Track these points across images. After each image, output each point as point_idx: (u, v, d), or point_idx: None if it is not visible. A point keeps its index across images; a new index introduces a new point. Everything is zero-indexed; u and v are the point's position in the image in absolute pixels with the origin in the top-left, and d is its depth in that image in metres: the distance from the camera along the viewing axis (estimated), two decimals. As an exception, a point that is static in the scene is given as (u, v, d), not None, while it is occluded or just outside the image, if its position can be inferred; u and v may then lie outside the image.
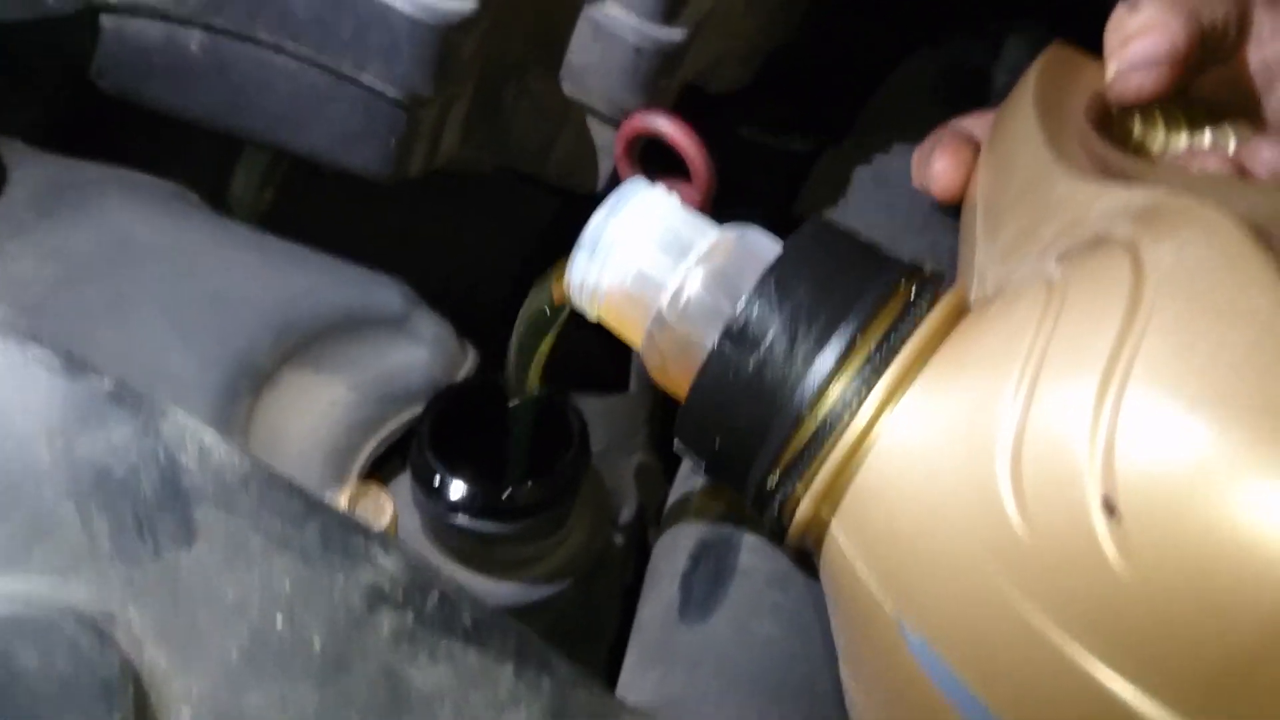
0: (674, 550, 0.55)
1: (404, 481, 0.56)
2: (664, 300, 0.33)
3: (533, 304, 0.45)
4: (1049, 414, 0.26)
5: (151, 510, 0.23)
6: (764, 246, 0.33)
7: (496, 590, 0.55)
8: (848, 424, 0.29)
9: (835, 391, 0.29)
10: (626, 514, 0.66)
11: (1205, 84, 0.48)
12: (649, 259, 0.33)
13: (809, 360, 0.29)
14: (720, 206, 0.81)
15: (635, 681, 0.50)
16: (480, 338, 0.63)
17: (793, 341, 0.29)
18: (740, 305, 0.30)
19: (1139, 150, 0.48)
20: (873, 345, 0.29)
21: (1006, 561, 0.26)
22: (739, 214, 0.81)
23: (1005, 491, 0.26)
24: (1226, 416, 0.24)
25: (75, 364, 0.25)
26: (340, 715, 0.23)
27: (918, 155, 0.59)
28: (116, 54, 0.54)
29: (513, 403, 0.51)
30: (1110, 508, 0.24)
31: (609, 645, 0.60)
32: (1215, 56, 0.47)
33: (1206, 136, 0.48)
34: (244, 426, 0.54)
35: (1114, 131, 0.48)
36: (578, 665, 0.59)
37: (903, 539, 0.28)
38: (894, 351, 0.29)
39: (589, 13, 0.51)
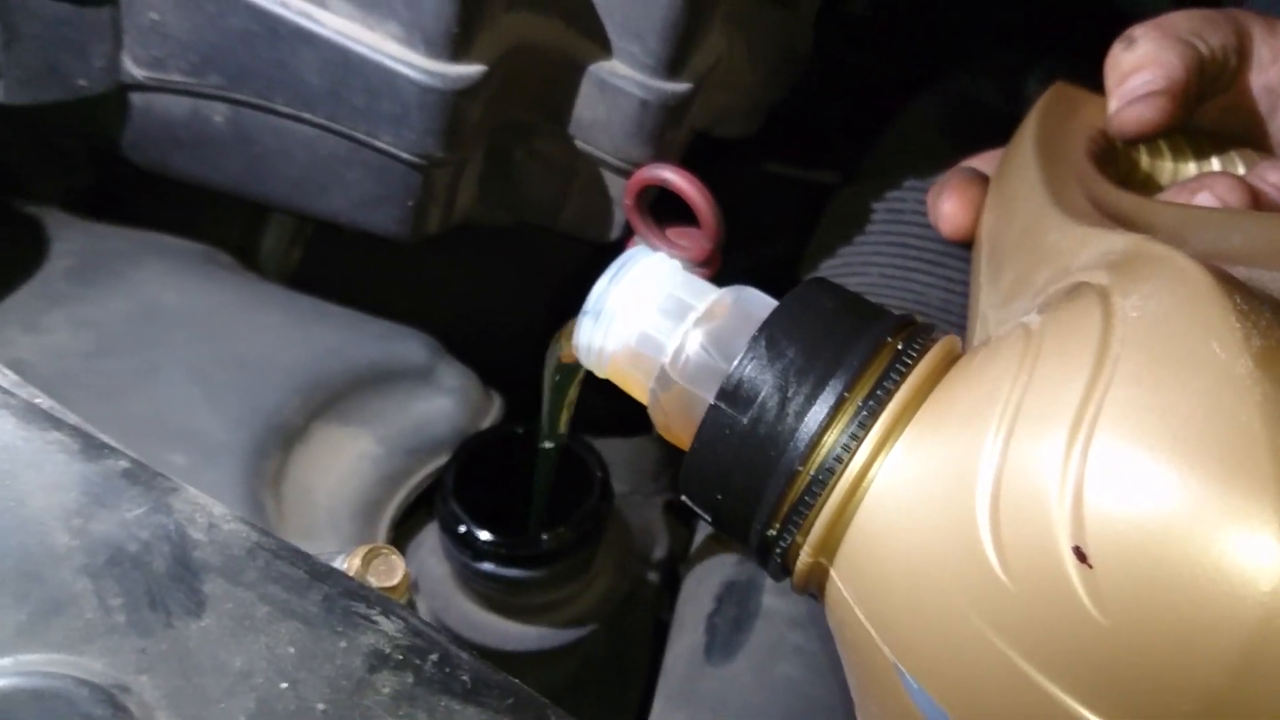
0: (699, 592, 0.56)
1: (432, 530, 0.57)
2: (665, 361, 0.34)
3: (551, 359, 0.47)
4: (1023, 463, 0.26)
5: (163, 584, 0.24)
6: (759, 306, 0.34)
7: (525, 635, 0.56)
8: (840, 475, 0.29)
9: (827, 444, 0.30)
10: (658, 553, 0.67)
11: (1209, 113, 0.48)
12: (650, 322, 0.35)
13: (800, 416, 0.30)
14: (747, 239, 0.82)
15: (662, 723, 0.51)
16: (506, 385, 0.65)
17: (784, 398, 0.30)
18: (734, 365, 0.31)
19: (1147, 182, 0.49)
20: (861, 398, 0.30)
21: (989, 608, 0.26)
22: (762, 244, 0.81)
23: (986, 539, 0.27)
24: (1186, 465, 0.24)
25: (92, 445, 0.26)
26: (343, 775, 0.24)
27: (931, 194, 0.60)
28: (145, 128, 0.56)
29: (542, 448, 0.52)
30: (1081, 555, 0.25)
31: (641, 684, 0.61)
32: (1216, 85, 0.47)
33: (1214, 164, 0.48)
34: (275, 483, 0.55)
35: (1121, 166, 0.48)
36: (607, 706, 0.60)
37: (894, 586, 0.29)
38: (882, 404, 0.30)
39: (594, 71, 0.52)
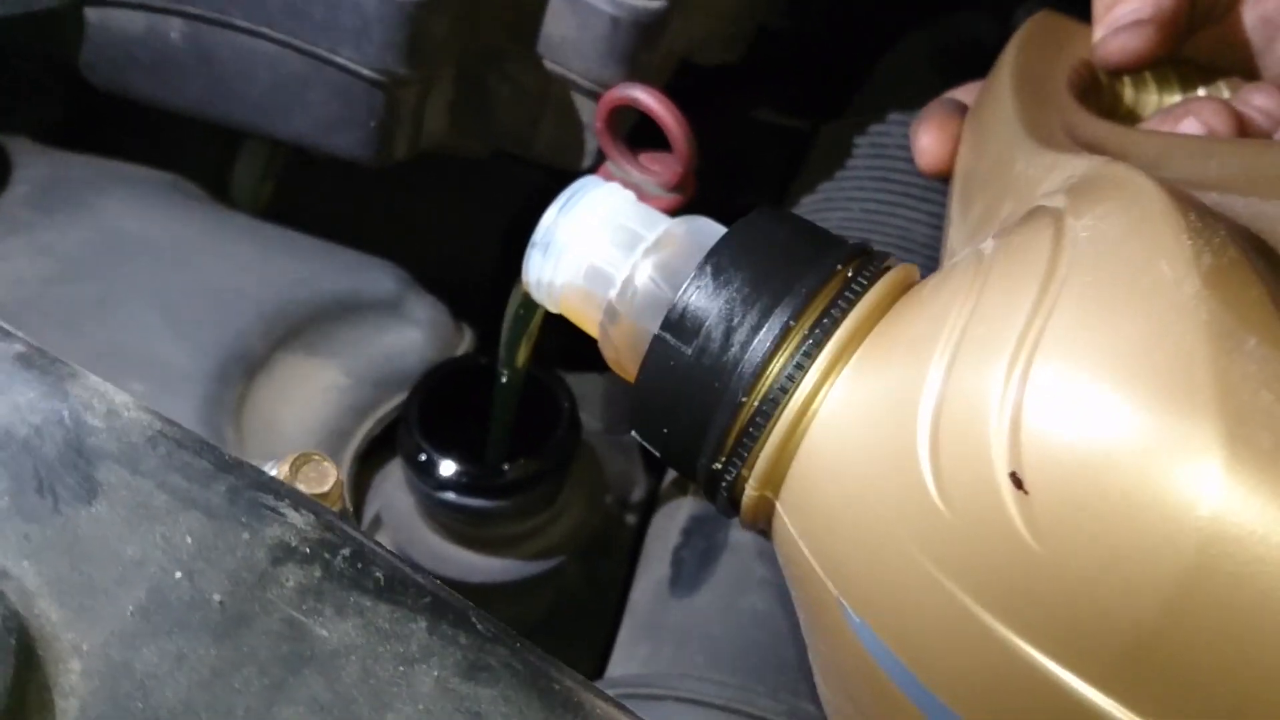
0: (667, 525, 0.54)
1: (398, 464, 0.56)
2: (613, 294, 0.32)
3: (515, 291, 0.45)
4: (964, 389, 0.25)
5: (53, 469, 0.23)
6: (711, 235, 0.33)
7: (491, 567, 0.55)
8: (784, 406, 0.28)
9: (771, 374, 0.28)
10: (638, 493, 0.66)
11: (1199, 44, 0.46)
12: (600, 254, 0.33)
13: (745, 345, 0.29)
14: (727, 185, 0.81)
15: (625, 656, 0.50)
16: (476, 317, 0.63)
17: (729, 327, 0.29)
18: (678, 295, 0.29)
19: (1130, 115, 0.47)
20: (807, 327, 0.28)
21: (928, 539, 0.25)
22: (746, 191, 0.80)
23: (925, 469, 0.25)
24: (1125, 388, 0.23)
25: (-13, 329, 0.25)
26: (238, 669, 0.22)
27: (912, 127, 0.58)
28: (102, 47, 0.54)
29: (500, 379, 0.51)
30: (1018, 482, 0.24)
31: (615, 622, 0.60)
32: (1208, 16, 0.45)
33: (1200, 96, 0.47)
34: (237, 412, 0.54)
35: (1105, 98, 0.47)
36: (580, 641, 0.59)
37: (837, 519, 0.28)
38: (828, 333, 0.28)
39: (563, -13, 0.51)
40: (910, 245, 0.61)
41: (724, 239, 0.31)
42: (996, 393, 0.25)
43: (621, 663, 0.49)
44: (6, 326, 0.25)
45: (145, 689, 0.21)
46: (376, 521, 0.56)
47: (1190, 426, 0.22)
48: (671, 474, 0.59)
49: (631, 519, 0.65)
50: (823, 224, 0.32)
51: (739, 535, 0.51)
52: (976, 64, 0.76)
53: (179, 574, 0.23)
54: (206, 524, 0.24)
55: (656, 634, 0.49)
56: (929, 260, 0.60)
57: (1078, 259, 0.26)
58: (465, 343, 0.61)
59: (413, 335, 0.59)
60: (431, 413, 0.53)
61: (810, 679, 0.42)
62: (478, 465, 0.51)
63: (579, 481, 0.56)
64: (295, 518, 0.25)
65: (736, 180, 0.82)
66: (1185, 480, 0.22)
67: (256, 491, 0.25)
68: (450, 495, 0.51)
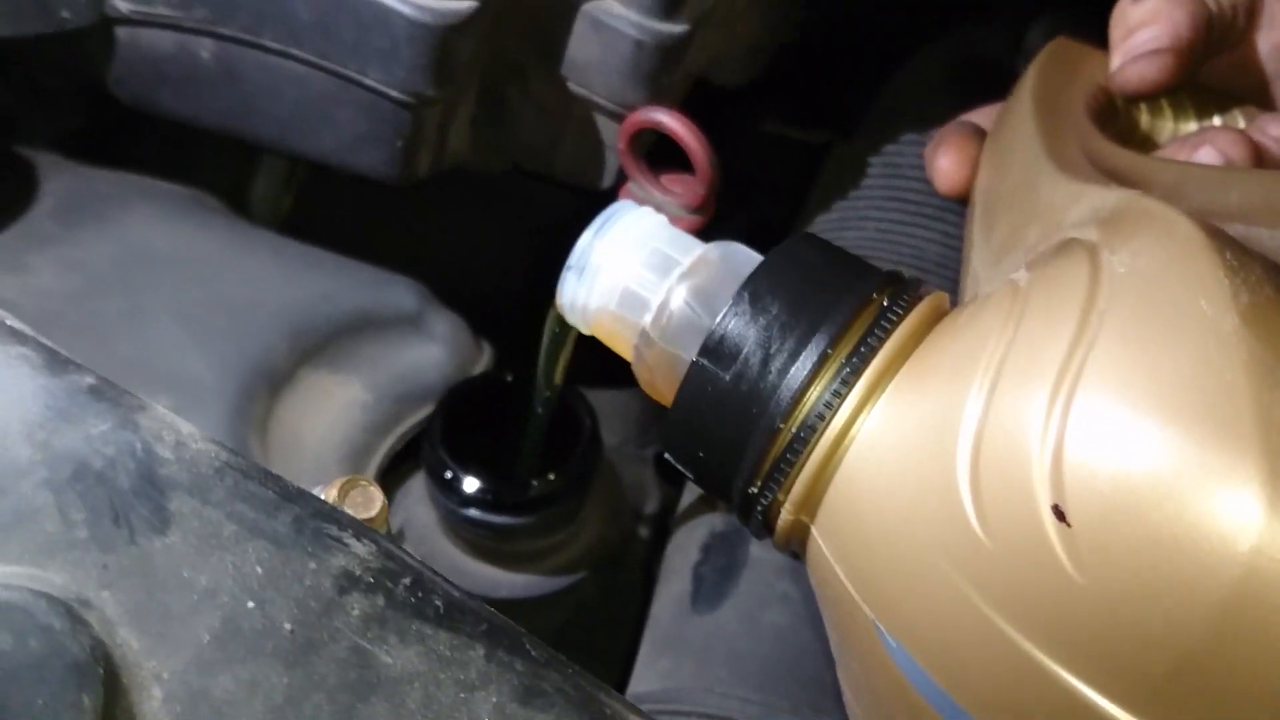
0: (687, 541, 0.55)
1: (420, 478, 0.57)
2: (649, 317, 0.33)
3: (551, 312, 0.46)
4: (1005, 420, 0.26)
5: (127, 500, 0.24)
6: (745, 261, 0.33)
7: (513, 582, 0.55)
8: (821, 433, 0.29)
9: (809, 402, 0.29)
10: (651, 506, 0.66)
11: (1214, 70, 0.47)
12: (634, 278, 0.34)
13: (783, 373, 0.29)
14: (745, 200, 0.82)
15: (646, 671, 0.50)
16: (496, 333, 0.64)
17: (767, 354, 0.30)
18: (717, 321, 0.30)
19: (1146, 141, 0.48)
20: (845, 354, 0.29)
21: (968, 566, 0.26)
22: (758, 204, 0.81)
23: (965, 498, 0.26)
24: (1167, 422, 0.24)
25: (57, 360, 0.26)
26: (309, 695, 0.23)
27: (928, 149, 0.59)
28: (131, 64, 0.55)
29: (535, 399, 0.51)
30: (1060, 514, 0.25)
31: (632, 634, 0.61)
32: (1223, 43, 0.46)
33: (1215, 123, 0.47)
34: (261, 428, 0.55)
35: (1121, 123, 0.47)
36: (597, 654, 0.60)
37: (874, 544, 0.29)
38: (865, 361, 0.29)
39: (588, 10, 0.51)
40: (925, 265, 0.61)
41: (761, 266, 0.32)
42: (1038, 424, 0.26)
43: (643, 677, 0.50)
44: (76, 360, 0.26)
45: (223, 715, 0.22)
46: (399, 537, 0.57)
47: (1232, 461, 0.23)
48: (690, 490, 0.59)
49: (646, 531, 0.66)
50: (838, 243, 0.33)
51: (759, 551, 0.52)
52: (988, 82, 0.77)
53: (250, 603, 0.24)
54: (274, 553, 0.24)
55: (678, 649, 0.50)
56: (944, 280, 0.61)
57: (1116, 293, 0.27)
58: (484, 358, 0.61)
59: (433, 351, 0.60)
60: (455, 430, 0.54)
61: (832, 695, 0.43)
62: (501, 482, 0.52)
63: (599, 497, 0.57)
64: (358, 547, 0.25)
65: (749, 193, 0.83)
66: (1226, 514, 0.23)
67: (320, 521, 0.25)
68: (474, 511, 0.52)
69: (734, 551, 0.52)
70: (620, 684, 0.53)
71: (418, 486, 0.58)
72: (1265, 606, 0.22)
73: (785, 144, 0.87)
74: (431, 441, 0.53)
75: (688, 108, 0.59)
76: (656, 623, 0.52)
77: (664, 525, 0.66)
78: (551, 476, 0.52)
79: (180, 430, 0.25)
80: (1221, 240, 0.27)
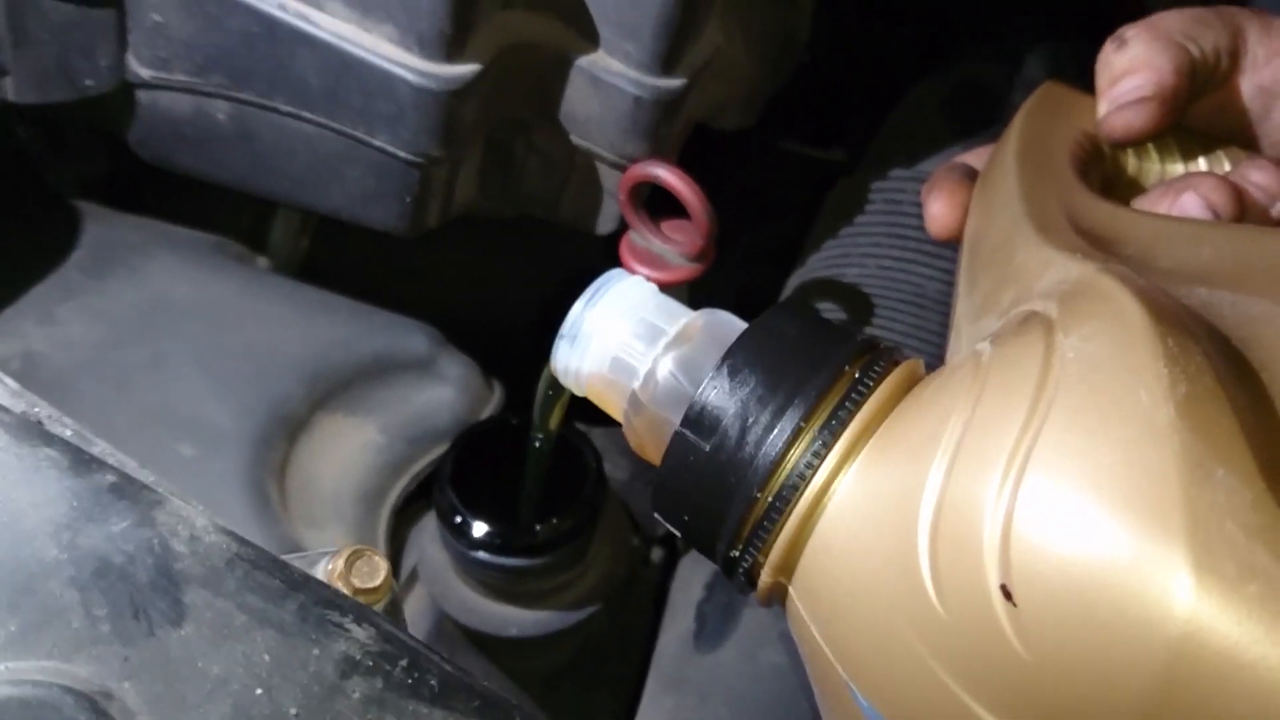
0: (691, 580, 0.57)
1: (434, 518, 0.59)
2: (636, 385, 0.35)
3: (544, 375, 0.48)
4: (961, 498, 0.27)
5: (146, 595, 0.26)
6: (729, 330, 0.35)
7: (524, 620, 0.57)
8: (795, 502, 0.31)
9: (784, 473, 0.31)
10: (662, 532, 0.68)
11: (1199, 111, 0.48)
12: (624, 346, 0.35)
13: (760, 443, 0.31)
14: (756, 217, 0.83)
15: (651, 708, 0.52)
16: (508, 375, 0.66)
17: (744, 426, 0.32)
18: (697, 393, 0.32)
19: (1133, 184, 0.49)
20: (817, 427, 0.31)
21: (927, 635, 0.28)
22: (768, 221, 0.82)
23: (925, 570, 0.28)
24: (1105, 512, 0.25)
25: (82, 460, 0.28)
26: (314, 777, 0.25)
27: (923, 191, 0.60)
28: (151, 124, 0.57)
29: (534, 443, 0.53)
30: (1008, 594, 0.26)
31: (640, 666, 0.63)
32: (1206, 86, 0.47)
33: (1200, 165, 0.48)
34: (280, 472, 0.57)
35: (1108, 166, 0.48)
36: (608, 685, 0.62)
37: (844, 608, 0.30)
38: (836, 434, 0.31)
39: (587, 68, 0.53)
40: (924, 301, 0.63)
41: (739, 340, 0.34)
42: (990, 505, 0.27)
43: (648, 714, 0.52)
44: (100, 457, 0.28)
45: (234, 798, 0.24)
46: (413, 576, 0.59)
47: (1163, 552, 0.25)
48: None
49: (655, 560, 0.67)
50: (840, 280, 0.35)
51: (759, 591, 0.53)
52: (986, 112, 0.78)
53: (259, 690, 0.26)
54: (281, 641, 0.26)
55: (681, 687, 0.51)
56: (942, 316, 0.63)
57: (1064, 379, 0.28)
58: (495, 399, 0.63)
59: (445, 393, 0.62)
60: (466, 474, 0.56)
61: (827, 734, 0.44)
62: (510, 525, 0.54)
63: (606, 534, 0.59)
64: (358, 632, 0.27)
65: (759, 210, 0.84)
66: (1158, 600, 0.25)
67: (323, 609, 0.27)
68: (483, 554, 0.54)
69: (735, 590, 0.54)
70: (628, 715, 0.55)
71: (431, 525, 0.60)
72: (1194, 688, 0.24)
73: (796, 160, 0.88)
74: (441, 485, 0.55)
75: (699, 128, 0.61)
76: (661, 660, 0.54)
77: (672, 554, 0.68)
78: (556, 520, 0.54)
79: (195, 524, 0.28)
80: (1167, 325, 0.29)
